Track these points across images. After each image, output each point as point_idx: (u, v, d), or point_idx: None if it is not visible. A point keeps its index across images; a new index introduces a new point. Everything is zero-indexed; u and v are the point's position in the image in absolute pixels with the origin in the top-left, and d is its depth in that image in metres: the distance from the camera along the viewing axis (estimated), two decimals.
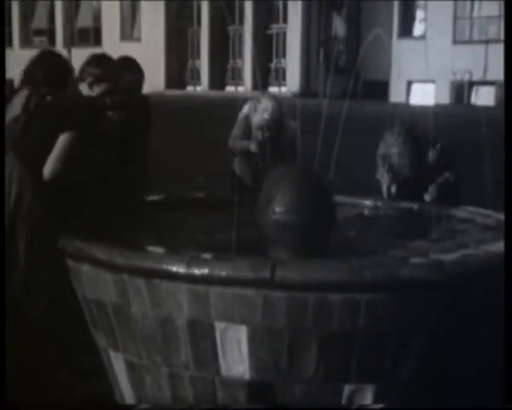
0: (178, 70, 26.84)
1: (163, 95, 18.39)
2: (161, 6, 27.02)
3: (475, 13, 24.58)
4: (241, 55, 25.46)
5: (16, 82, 3.55)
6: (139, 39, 28.11)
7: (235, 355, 2.50)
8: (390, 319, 2.45)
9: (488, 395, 2.81)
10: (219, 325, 2.48)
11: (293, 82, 25.35)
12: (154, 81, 23.80)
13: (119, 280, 2.61)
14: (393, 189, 3.84)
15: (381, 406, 2.50)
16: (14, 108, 3.30)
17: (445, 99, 23.34)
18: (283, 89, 25.26)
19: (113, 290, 2.65)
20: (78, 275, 2.83)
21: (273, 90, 25.20)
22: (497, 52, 22.08)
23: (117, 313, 2.69)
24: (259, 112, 4.53)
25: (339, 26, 25.75)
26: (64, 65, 3.57)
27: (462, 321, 2.59)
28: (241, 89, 23.64)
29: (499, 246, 2.74)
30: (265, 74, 25.76)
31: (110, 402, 2.97)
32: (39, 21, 32.18)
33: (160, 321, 2.58)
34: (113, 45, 27.15)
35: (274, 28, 26.15)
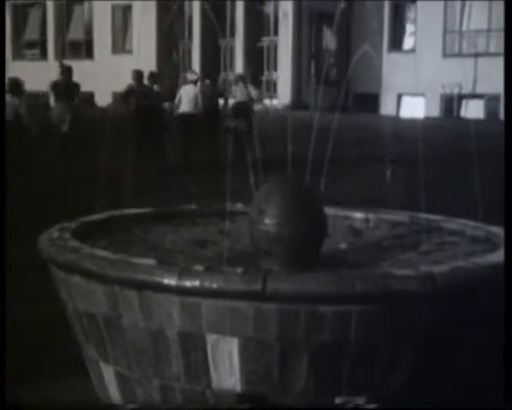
0: (170, 82, 26.88)
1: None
2: (153, 19, 27.09)
3: (464, 26, 24.79)
4: (232, 67, 25.55)
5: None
6: (130, 52, 28.16)
7: (227, 367, 2.50)
8: (381, 330, 2.46)
9: (483, 403, 2.82)
10: (211, 337, 2.49)
11: (284, 94, 25.45)
12: None
13: (111, 292, 2.61)
14: None
15: (374, 406, 2.51)
16: None
17: (435, 112, 23.49)
18: (275, 101, 25.35)
19: (105, 302, 2.64)
20: (68, 287, 2.83)
21: (264, 102, 25.26)
22: (487, 65, 22.23)
23: (108, 324, 2.69)
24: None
25: (329, 39, 25.89)
26: None
27: (454, 332, 2.61)
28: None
29: (489, 258, 2.76)
30: (257, 87, 25.81)
31: (98, 403, 2.96)
32: (31, 34, 32.20)
33: (151, 333, 2.58)
34: (104, 58, 27.23)
35: (265, 41, 26.27)
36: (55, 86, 11.46)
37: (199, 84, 13.40)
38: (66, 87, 11.44)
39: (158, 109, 12.27)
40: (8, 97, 10.17)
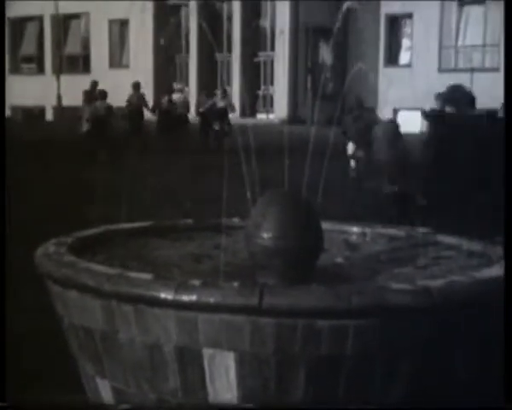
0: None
1: (148, 120, 18.80)
2: (150, 33, 27.20)
3: (460, 42, 24.94)
4: (229, 82, 25.65)
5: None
6: (127, 66, 28.25)
7: (223, 382, 2.49)
8: (378, 344, 2.46)
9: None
10: (207, 352, 2.48)
11: (280, 109, 25.52)
12: None
13: (107, 306, 2.60)
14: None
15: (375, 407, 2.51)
16: None
17: None
18: (271, 115, 25.41)
19: (101, 317, 2.64)
20: (64, 301, 2.82)
21: (261, 116, 25.35)
22: (482, 80, 22.36)
23: (104, 339, 2.68)
24: None
25: (326, 54, 26.03)
26: None
27: (451, 345, 2.61)
28: (229, 116, 23.79)
29: (486, 272, 2.76)
30: (253, 101, 25.93)
31: (90, 402, 2.94)
32: (28, 48, 32.28)
33: (148, 348, 2.57)
34: (101, 72, 27.31)
35: (261, 56, 26.39)
36: (85, 94, 16.80)
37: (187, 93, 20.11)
38: (91, 95, 16.62)
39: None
40: (98, 102, 16.07)
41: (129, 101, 17.47)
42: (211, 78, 26.16)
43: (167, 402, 2.61)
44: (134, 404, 2.67)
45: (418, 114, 9.28)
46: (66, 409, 3.05)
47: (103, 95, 16.38)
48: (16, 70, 31.56)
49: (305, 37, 25.59)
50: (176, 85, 20.59)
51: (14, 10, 29.83)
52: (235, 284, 2.51)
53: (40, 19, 31.09)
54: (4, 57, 26.10)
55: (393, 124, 7.41)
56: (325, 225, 3.06)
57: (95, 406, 2.92)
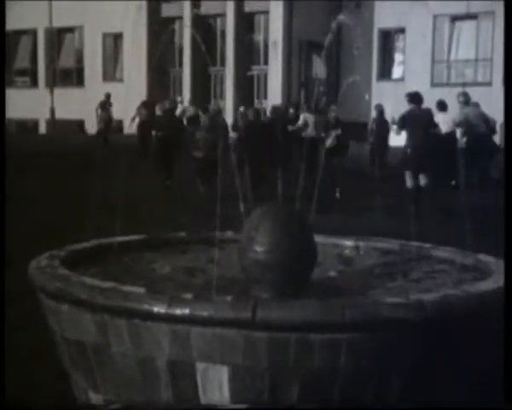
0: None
1: None
2: (144, 47, 27.24)
3: (452, 56, 25.09)
4: (222, 95, 25.70)
5: None
6: (121, 80, 28.26)
7: (216, 396, 2.48)
8: (371, 357, 2.46)
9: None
10: (200, 366, 2.47)
11: None
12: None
13: (100, 320, 2.59)
14: None
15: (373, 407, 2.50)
16: None
17: None
18: None
19: (94, 331, 2.63)
20: (57, 315, 2.81)
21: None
22: (474, 95, 22.44)
23: (97, 353, 2.67)
24: None
25: (319, 68, 26.12)
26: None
27: (444, 358, 2.61)
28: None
29: (479, 286, 2.77)
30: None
31: (79, 402, 2.92)
32: (22, 62, 32.26)
33: (141, 362, 2.56)
34: (95, 86, 27.31)
35: (255, 70, 26.45)
36: (100, 104, 21.02)
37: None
38: (104, 105, 20.90)
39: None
40: (140, 109, 19.31)
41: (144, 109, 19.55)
42: (204, 91, 26.19)
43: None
44: (124, 403, 2.65)
45: None
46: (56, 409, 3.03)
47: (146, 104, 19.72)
48: (10, 83, 31.52)
49: (299, 51, 25.69)
50: (178, 98, 23.22)
51: (8, 24, 29.85)
52: (229, 297, 2.50)
53: (34, 32, 31.10)
54: (4, 71, 26.26)
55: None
56: (318, 239, 3.06)
57: (85, 406, 2.89)
